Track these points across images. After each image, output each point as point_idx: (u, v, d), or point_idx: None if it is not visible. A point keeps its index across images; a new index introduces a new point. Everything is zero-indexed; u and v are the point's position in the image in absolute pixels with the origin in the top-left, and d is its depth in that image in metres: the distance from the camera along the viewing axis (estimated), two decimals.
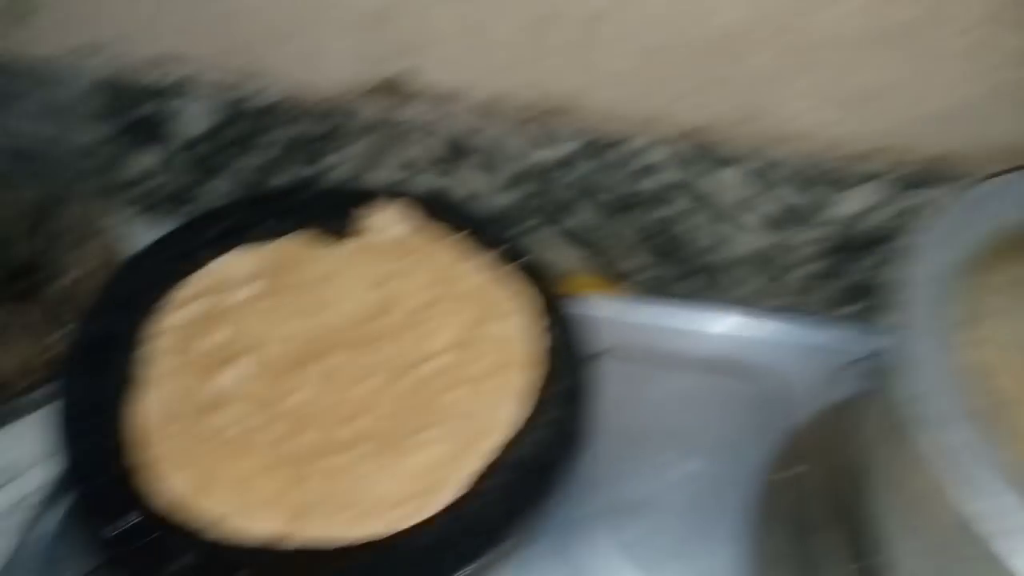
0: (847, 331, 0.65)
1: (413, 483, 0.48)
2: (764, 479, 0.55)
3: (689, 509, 0.53)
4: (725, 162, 0.67)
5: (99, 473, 0.48)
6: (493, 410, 0.51)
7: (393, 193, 0.63)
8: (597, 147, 0.67)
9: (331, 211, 0.61)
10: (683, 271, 0.74)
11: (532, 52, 0.64)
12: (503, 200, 0.72)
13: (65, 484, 0.53)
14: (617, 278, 0.76)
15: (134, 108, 0.72)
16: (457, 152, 0.70)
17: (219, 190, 0.77)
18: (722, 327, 0.65)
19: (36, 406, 0.63)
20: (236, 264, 0.58)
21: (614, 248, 0.74)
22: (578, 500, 0.52)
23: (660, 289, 0.76)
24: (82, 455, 0.49)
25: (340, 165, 0.72)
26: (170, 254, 0.58)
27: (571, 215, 0.72)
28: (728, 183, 0.67)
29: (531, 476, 0.48)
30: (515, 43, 0.63)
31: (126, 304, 0.55)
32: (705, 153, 0.66)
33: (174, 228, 0.60)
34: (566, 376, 0.53)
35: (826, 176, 0.65)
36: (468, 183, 0.72)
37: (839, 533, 0.45)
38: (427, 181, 0.72)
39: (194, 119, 0.72)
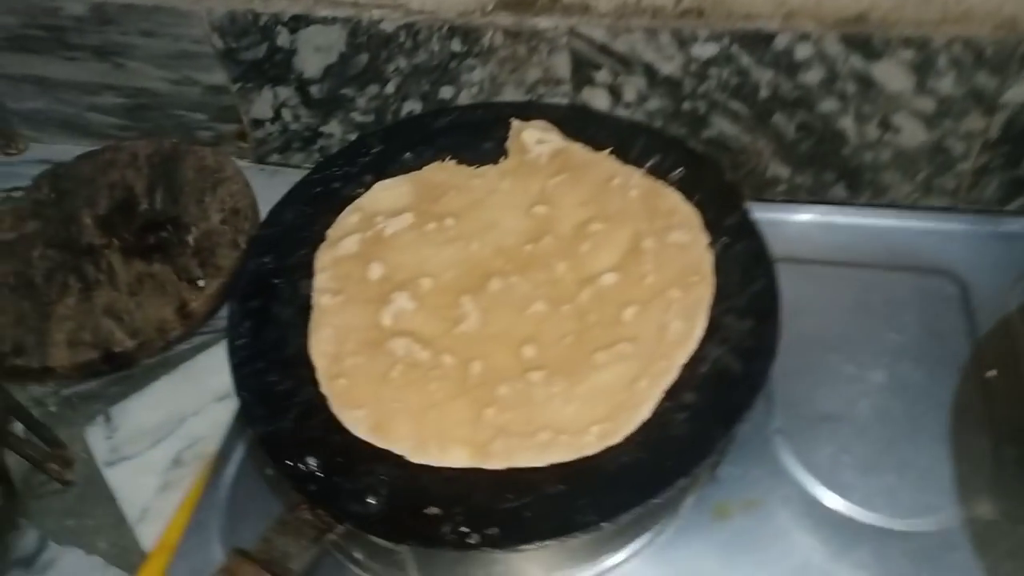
0: (1021, 218, 0.61)
1: (599, 405, 0.46)
2: (953, 386, 0.51)
3: (878, 422, 0.50)
4: (878, 54, 0.62)
5: (279, 415, 0.47)
6: (671, 325, 0.49)
7: (534, 109, 0.60)
8: (739, 48, 0.63)
9: (473, 134, 0.59)
10: (834, 176, 0.70)
11: None
12: (634, 117, 0.69)
13: (244, 428, 0.54)
14: (758, 192, 0.72)
15: (253, 47, 0.71)
16: (588, 67, 0.66)
17: (344, 128, 0.75)
18: (892, 224, 0.60)
19: (183, 359, 0.65)
20: (384, 196, 0.57)
21: (758, 157, 0.70)
22: (763, 418, 0.50)
23: (806, 200, 0.72)
24: (259, 397, 0.48)
25: (465, 90, 0.70)
26: (317, 191, 0.57)
27: (711, 125, 0.68)
28: (883, 76, 0.63)
29: (720, 392, 0.46)
30: None
31: (281, 243, 0.54)
32: (857, 45, 0.61)
33: (317, 164, 0.58)
34: (743, 287, 0.50)
35: (993, 59, 0.60)
36: (597, 100, 0.69)
37: None
38: (556, 102, 0.69)
39: (314, 54, 0.70)
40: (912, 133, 0.66)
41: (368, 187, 0.57)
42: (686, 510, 0.48)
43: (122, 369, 0.64)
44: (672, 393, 0.46)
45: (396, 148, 0.59)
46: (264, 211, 0.72)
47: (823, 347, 0.53)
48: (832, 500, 0.47)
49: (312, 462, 0.45)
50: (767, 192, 0.72)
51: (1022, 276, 0.54)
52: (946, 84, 0.62)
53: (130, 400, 0.63)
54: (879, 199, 0.70)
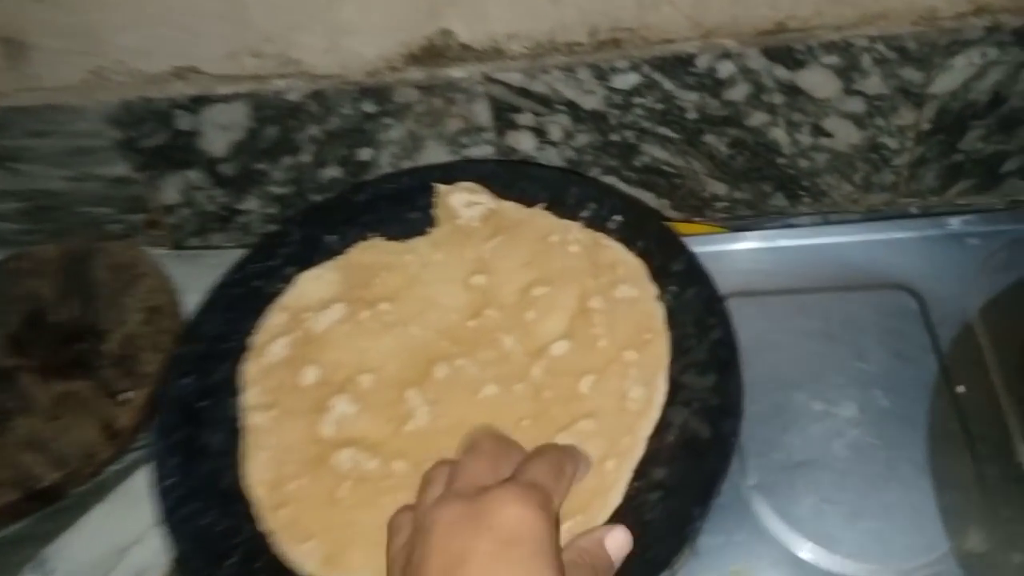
0: (967, 217, 0.59)
1: (570, 496, 0.43)
2: (925, 409, 0.50)
3: (856, 462, 0.48)
4: (801, 62, 0.60)
5: (220, 561, 0.43)
6: (631, 392, 0.46)
7: (457, 169, 0.57)
8: (660, 74, 0.61)
9: (397, 205, 0.55)
10: (772, 187, 0.68)
11: None
12: (565, 155, 0.66)
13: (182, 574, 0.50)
14: (698, 212, 0.70)
15: (153, 134, 0.67)
16: (509, 111, 0.64)
17: (262, 203, 0.71)
18: (839, 240, 0.59)
19: (116, 482, 0.60)
20: (310, 289, 0.53)
21: (694, 178, 0.68)
22: (737, 475, 0.47)
23: (747, 215, 0.70)
24: (196, 544, 0.44)
25: (384, 150, 0.66)
26: (236, 293, 0.53)
27: (643, 153, 0.66)
28: (809, 83, 0.61)
29: (691, 462, 0.44)
30: None
31: (203, 359, 0.50)
32: (779, 56, 0.60)
33: (234, 265, 0.54)
34: (699, 338, 0.48)
35: (917, 53, 0.59)
36: (523, 143, 0.66)
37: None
38: (482, 151, 0.66)
39: (220, 133, 0.66)
40: (845, 135, 0.65)
41: (290, 281, 0.53)
42: None
43: (50, 504, 0.59)
44: (641, 470, 0.44)
45: (317, 233, 0.55)
46: (190, 299, 0.68)
47: (788, 385, 0.51)
48: (821, 557, 0.45)
49: None
50: (707, 211, 0.71)
51: (977, 277, 0.53)
52: (873, 83, 0.61)
53: (63, 537, 0.57)
54: (820, 204, 0.69)
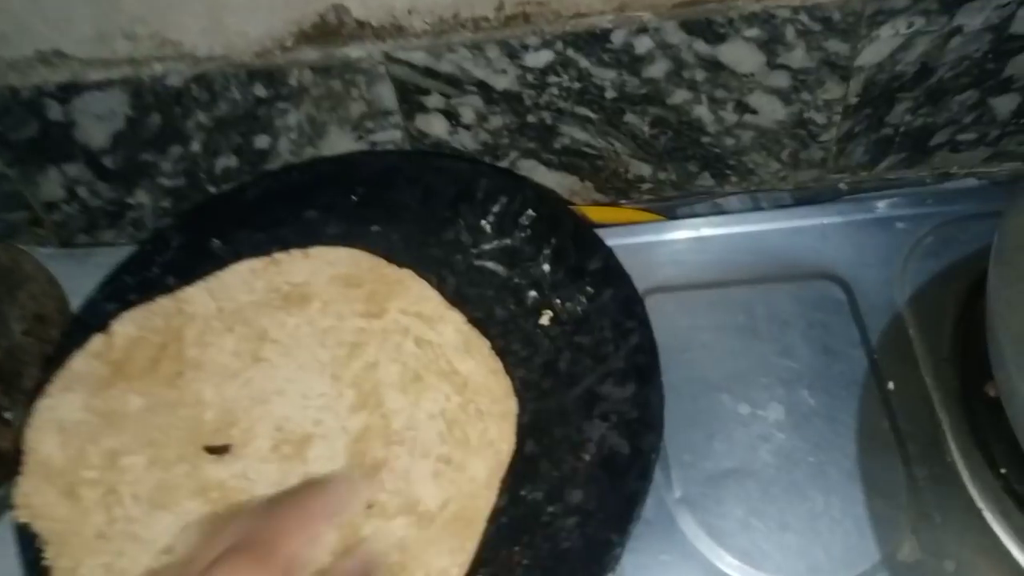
0: (895, 199, 0.57)
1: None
2: (854, 409, 0.48)
3: (783, 469, 0.46)
4: (722, 36, 0.57)
5: None
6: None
7: (356, 161, 0.52)
8: (574, 51, 0.57)
9: (290, 204, 0.51)
10: (698, 166, 0.65)
11: None
12: (480, 139, 0.62)
13: None
14: (623, 194, 0.67)
15: (21, 127, 0.60)
16: (415, 94, 0.59)
17: (154, 196, 0.65)
18: (764, 227, 0.56)
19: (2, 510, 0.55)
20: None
21: (617, 159, 0.64)
22: (661, 487, 0.45)
23: (673, 196, 0.67)
24: None
25: (282, 136, 0.61)
26: (110, 310, 0.48)
27: (561, 134, 0.62)
28: (732, 58, 0.58)
29: (610, 483, 0.41)
30: None
31: None
32: (699, 30, 0.56)
33: (103, 280, 0.49)
34: (617, 345, 0.45)
35: (841, 24, 0.56)
36: (434, 127, 0.61)
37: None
38: (390, 136, 0.61)
39: (97, 123, 0.60)
40: (770, 111, 0.62)
41: (172, 290, 0.48)
42: None
43: None
44: (558, 494, 0.40)
45: (199, 238, 0.50)
46: (80, 301, 0.62)
47: (711, 387, 0.48)
48: (749, 575, 0.43)
49: None
50: (633, 193, 0.68)
51: (905, 264, 0.50)
52: (797, 56, 0.59)
53: None
54: (747, 182, 0.67)
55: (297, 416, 0.44)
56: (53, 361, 0.54)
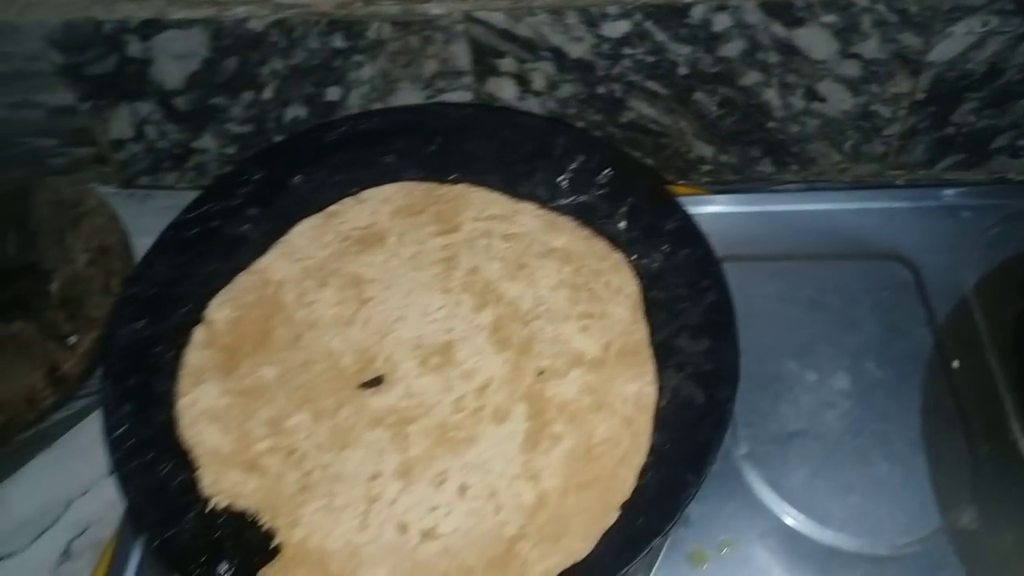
0: (962, 189, 0.58)
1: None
2: (919, 383, 0.48)
3: (848, 434, 0.47)
4: (800, 20, 0.58)
5: (177, 514, 0.40)
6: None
7: (435, 112, 0.53)
8: (652, 23, 0.58)
9: (369, 147, 0.51)
10: (760, 151, 0.66)
11: None
12: (547, 107, 0.63)
13: (134, 528, 0.46)
14: (682, 174, 0.68)
15: (99, 60, 0.61)
16: (490, 55, 0.60)
17: (220, 142, 0.66)
18: (833, 207, 0.56)
19: (61, 430, 0.56)
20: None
21: (680, 137, 0.65)
22: (728, 443, 0.45)
23: (731, 180, 0.68)
24: (150, 497, 0.41)
25: (354, 90, 0.62)
26: (193, 233, 0.49)
27: (629, 108, 0.63)
28: (806, 43, 0.59)
29: (685, 429, 0.41)
30: None
31: (156, 302, 0.46)
32: (778, 12, 0.57)
33: (190, 203, 0.50)
34: (693, 301, 0.45)
35: (918, 17, 0.57)
36: (503, 91, 0.62)
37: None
38: (459, 97, 0.62)
39: (174, 62, 0.61)
40: (838, 100, 0.63)
41: (253, 222, 0.49)
42: (660, 561, 0.43)
43: None
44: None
45: (281, 173, 0.51)
46: (139, 242, 0.63)
47: (779, 354, 0.49)
48: (811, 530, 0.44)
49: (224, 569, 0.38)
50: (692, 174, 0.68)
51: (971, 251, 0.51)
52: (871, 46, 0.59)
53: (3, 487, 0.54)
54: (807, 172, 0.67)
55: (428, 331, 0.46)
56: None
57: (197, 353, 0.45)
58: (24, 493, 0.54)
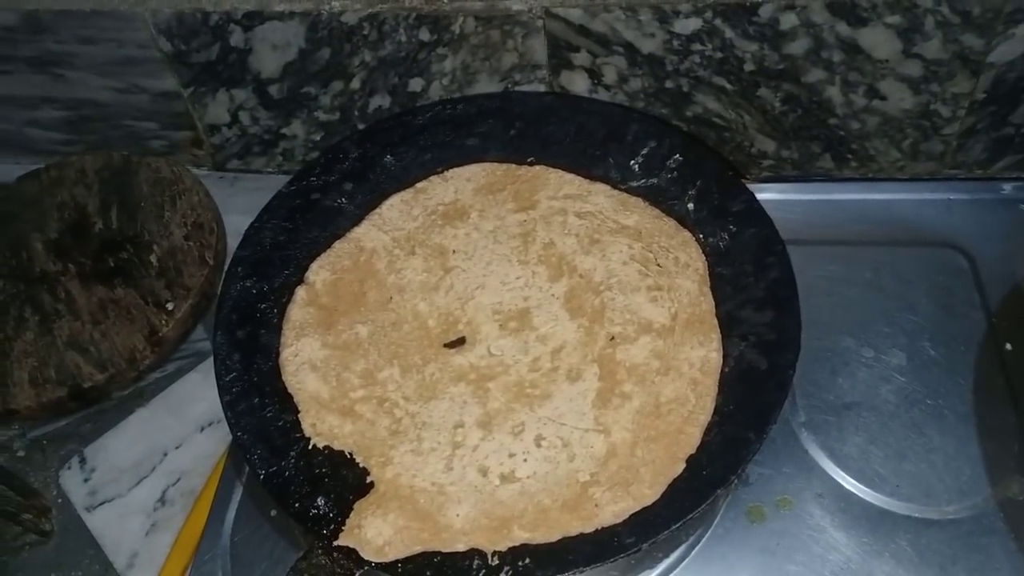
0: (1021, 183, 0.60)
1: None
2: (972, 363, 0.50)
3: (902, 407, 0.49)
4: (864, 20, 0.60)
5: (281, 453, 0.44)
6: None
7: (515, 99, 0.56)
8: (722, 21, 0.60)
9: (454, 130, 0.55)
10: (820, 147, 0.68)
11: None
12: (617, 99, 0.66)
13: (240, 466, 0.50)
14: (743, 168, 0.70)
15: (204, 49, 0.66)
16: (565, 50, 0.63)
17: (308, 129, 0.71)
18: (892, 197, 0.59)
19: (158, 388, 0.61)
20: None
21: (744, 132, 0.67)
22: (787, 412, 0.48)
23: (791, 175, 0.70)
24: (257, 436, 0.45)
25: (435, 81, 0.66)
26: (295, 204, 0.53)
27: (695, 102, 0.66)
28: (870, 43, 0.61)
29: (748, 392, 0.44)
30: None
31: (263, 264, 0.51)
32: (843, 12, 0.59)
33: (293, 175, 0.54)
34: (757, 277, 0.48)
35: (980, 19, 0.58)
36: (576, 84, 0.66)
37: None
38: (533, 90, 0.66)
39: (271, 52, 0.66)
40: (899, 99, 0.64)
41: (349, 196, 0.54)
42: (720, 517, 0.46)
43: (93, 405, 0.60)
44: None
45: (375, 152, 0.55)
46: (228, 221, 0.68)
47: (838, 332, 0.52)
48: (865, 493, 0.46)
49: (322, 502, 0.42)
50: (753, 168, 0.70)
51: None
52: (933, 47, 0.61)
53: (105, 438, 0.59)
54: (866, 168, 0.69)
55: (507, 298, 0.50)
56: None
57: (299, 310, 0.49)
58: (124, 444, 0.58)
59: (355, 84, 0.67)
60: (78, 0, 0.64)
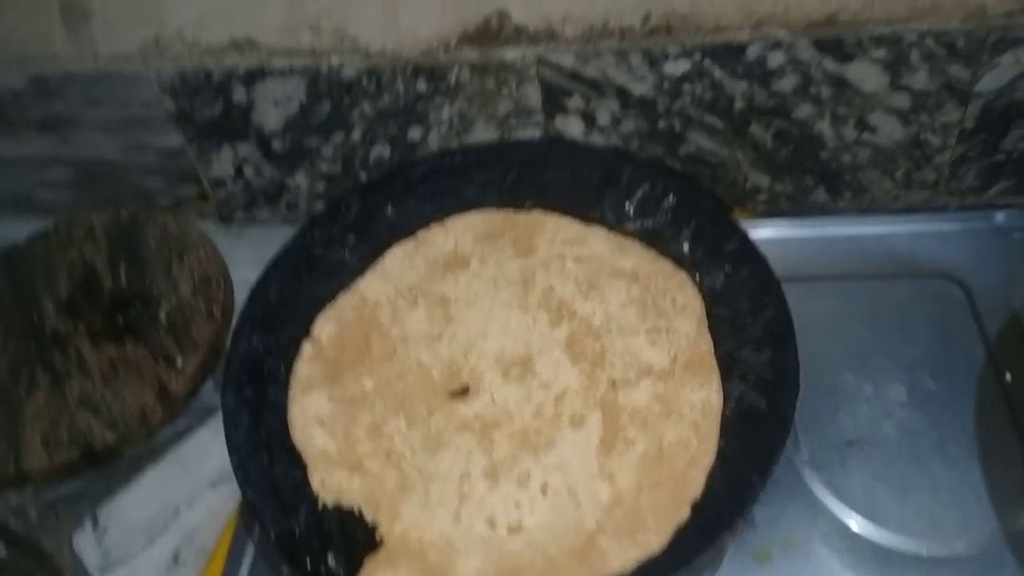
0: (1013, 211, 0.60)
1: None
2: (972, 394, 0.51)
3: (905, 442, 0.49)
4: (850, 55, 0.61)
5: (291, 510, 0.45)
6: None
7: (511, 148, 0.58)
8: (711, 61, 0.62)
9: (453, 180, 0.56)
10: (814, 180, 0.69)
11: None
12: (611, 141, 0.67)
13: (251, 525, 0.51)
14: (739, 203, 0.71)
15: (208, 106, 0.68)
16: (559, 95, 0.65)
17: (311, 179, 0.72)
18: (886, 230, 0.59)
19: (168, 445, 0.61)
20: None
21: (737, 168, 0.68)
22: (790, 450, 0.48)
23: (789, 208, 0.71)
24: (267, 494, 0.45)
25: (434, 129, 0.67)
26: (299, 259, 0.54)
27: (688, 141, 0.67)
28: (857, 77, 0.62)
29: (749, 433, 0.45)
30: None
31: (269, 320, 0.52)
32: (829, 48, 0.60)
33: (297, 231, 0.55)
34: (754, 316, 0.49)
35: (965, 50, 0.60)
36: (570, 128, 0.67)
37: None
38: (529, 134, 0.67)
39: (273, 108, 0.67)
40: (889, 130, 0.65)
41: (352, 248, 0.55)
42: (727, 560, 0.47)
43: (104, 464, 0.60)
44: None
45: (376, 203, 0.56)
46: (235, 272, 0.69)
47: (837, 367, 0.52)
48: (871, 531, 0.46)
49: (333, 560, 0.43)
50: (748, 203, 0.71)
51: (1023, 270, 0.54)
52: (920, 79, 0.62)
53: (117, 497, 0.59)
54: (860, 199, 0.70)
55: (509, 345, 0.51)
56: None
57: (305, 365, 0.50)
58: (136, 503, 0.58)
59: (356, 135, 0.69)
60: (84, 63, 0.66)
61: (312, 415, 0.48)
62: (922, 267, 0.57)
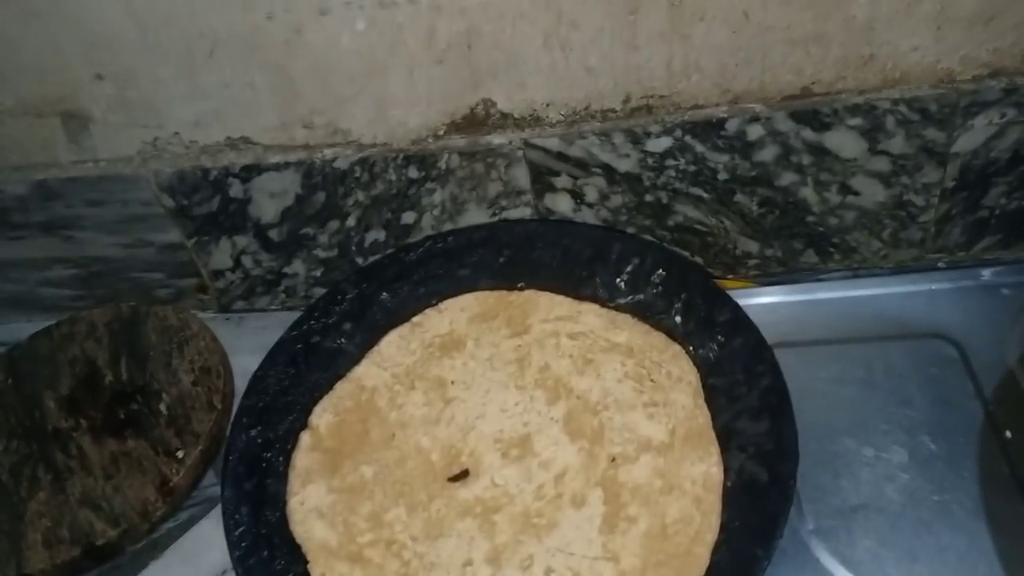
0: (999, 268, 0.61)
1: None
2: (974, 454, 0.51)
3: (909, 506, 0.49)
4: (827, 125, 0.63)
5: None
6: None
7: (502, 229, 0.59)
8: (691, 137, 0.63)
9: (446, 263, 0.57)
10: (802, 244, 0.70)
11: (617, 49, 0.60)
12: (600, 216, 0.68)
13: None
14: (730, 269, 0.72)
15: (205, 202, 0.69)
16: (547, 175, 0.66)
17: (308, 267, 0.73)
18: (876, 292, 0.60)
19: (171, 539, 0.61)
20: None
21: (726, 236, 0.70)
22: (795, 520, 0.48)
23: (778, 272, 0.72)
24: None
25: (427, 213, 0.69)
26: (297, 349, 0.55)
27: (675, 212, 0.68)
28: (836, 144, 0.63)
29: (751, 505, 0.44)
30: (598, 43, 0.59)
31: (267, 412, 0.52)
32: (806, 119, 0.62)
33: (293, 322, 0.56)
34: (749, 386, 0.49)
35: (938, 114, 0.61)
36: (560, 205, 0.68)
37: None
38: (520, 213, 0.69)
39: (269, 200, 0.69)
40: (872, 193, 0.66)
41: (348, 335, 0.55)
42: None
43: (107, 562, 0.60)
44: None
45: (371, 290, 0.57)
46: (236, 361, 0.69)
47: (835, 432, 0.52)
48: None
49: None
50: (739, 268, 0.72)
51: (1014, 326, 0.54)
52: (897, 143, 0.63)
53: None
54: (850, 260, 0.71)
55: (507, 426, 0.51)
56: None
57: (304, 456, 0.50)
58: None
59: (351, 222, 0.70)
60: (85, 168, 0.68)
61: (311, 507, 0.48)
62: (914, 327, 0.57)
